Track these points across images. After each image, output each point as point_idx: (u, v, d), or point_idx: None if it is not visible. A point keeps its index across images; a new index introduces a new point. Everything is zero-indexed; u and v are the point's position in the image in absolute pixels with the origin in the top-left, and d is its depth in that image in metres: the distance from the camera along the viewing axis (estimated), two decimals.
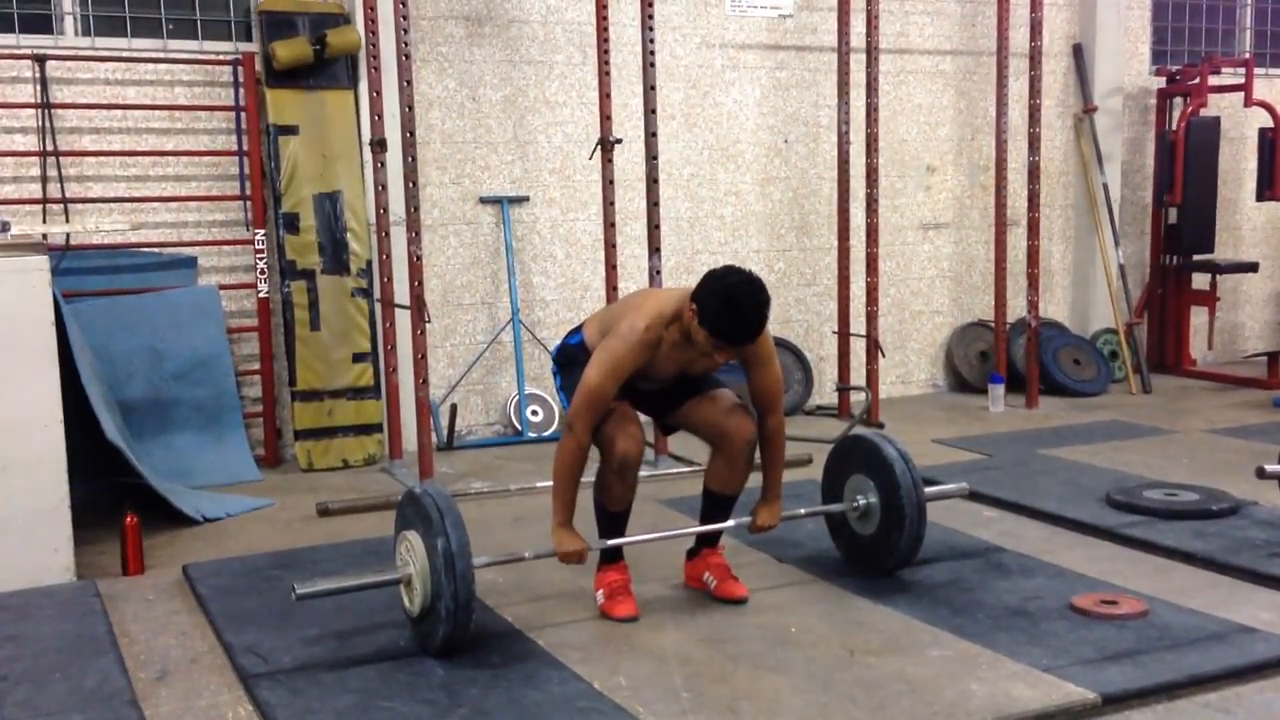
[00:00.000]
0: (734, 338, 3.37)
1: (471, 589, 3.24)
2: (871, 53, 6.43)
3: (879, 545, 3.89)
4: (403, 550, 3.41)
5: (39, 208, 5.43)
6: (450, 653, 3.30)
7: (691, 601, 3.78)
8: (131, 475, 4.69)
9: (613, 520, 3.69)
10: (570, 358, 3.74)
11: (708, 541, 3.87)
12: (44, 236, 4.12)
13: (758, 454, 3.77)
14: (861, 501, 3.91)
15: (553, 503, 3.60)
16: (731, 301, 3.33)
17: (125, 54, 5.64)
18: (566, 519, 3.57)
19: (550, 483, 4.95)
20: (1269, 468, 4.14)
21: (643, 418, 3.71)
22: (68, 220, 5.42)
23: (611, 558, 3.74)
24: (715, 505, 3.82)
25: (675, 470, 5.45)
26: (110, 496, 4.76)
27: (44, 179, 5.44)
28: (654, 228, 5.61)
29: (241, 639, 3.48)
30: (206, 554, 4.39)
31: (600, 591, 3.69)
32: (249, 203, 5.77)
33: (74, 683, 3.24)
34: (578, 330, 3.77)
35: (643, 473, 5.37)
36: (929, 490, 3.93)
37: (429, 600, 3.29)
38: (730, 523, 3.80)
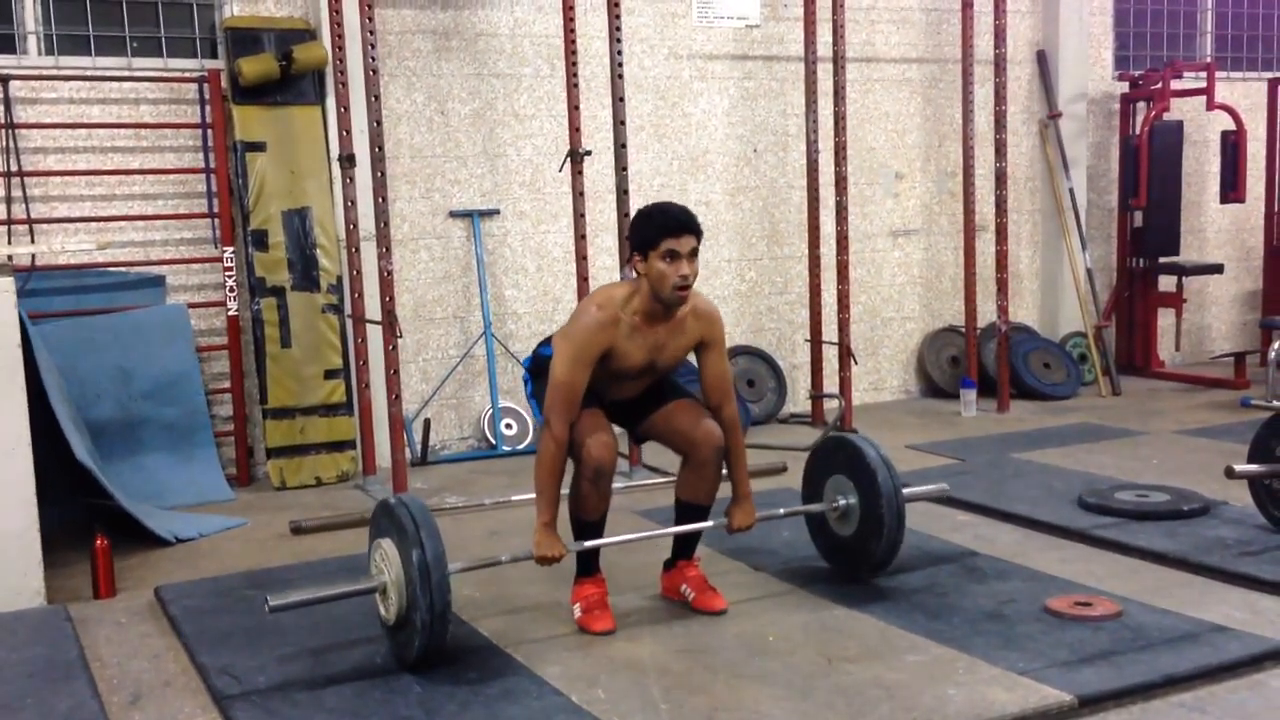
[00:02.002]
0: (673, 226, 3.44)
1: (448, 599, 3.22)
2: (838, 61, 6.47)
3: (857, 549, 3.90)
4: (377, 559, 3.38)
5: (3, 229, 5.39)
6: (427, 663, 3.28)
7: (669, 613, 3.77)
8: (102, 496, 4.65)
9: (589, 530, 3.68)
10: (542, 367, 3.73)
11: (683, 553, 3.86)
12: (9, 258, 4.07)
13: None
14: (841, 503, 3.91)
15: (536, 502, 3.58)
16: (653, 207, 3.57)
17: (90, 72, 5.60)
18: (550, 519, 3.55)
19: (528, 495, 4.95)
20: (1238, 467, 4.18)
21: (616, 429, 3.71)
22: (33, 241, 5.37)
23: (588, 571, 3.73)
24: (688, 516, 3.82)
25: (650, 481, 5.45)
26: (80, 519, 4.72)
27: (8, 199, 5.40)
28: (625, 239, 5.60)
29: (215, 660, 3.45)
30: (179, 575, 4.35)
31: (577, 605, 3.68)
32: (217, 220, 5.74)
33: (46, 708, 3.20)
34: (548, 341, 3.77)
35: (617, 484, 5.37)
36: (908, 491, 3.93)
37: (404, 610, 3.27)
38: (708, 523, 3.80)
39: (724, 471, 3.77)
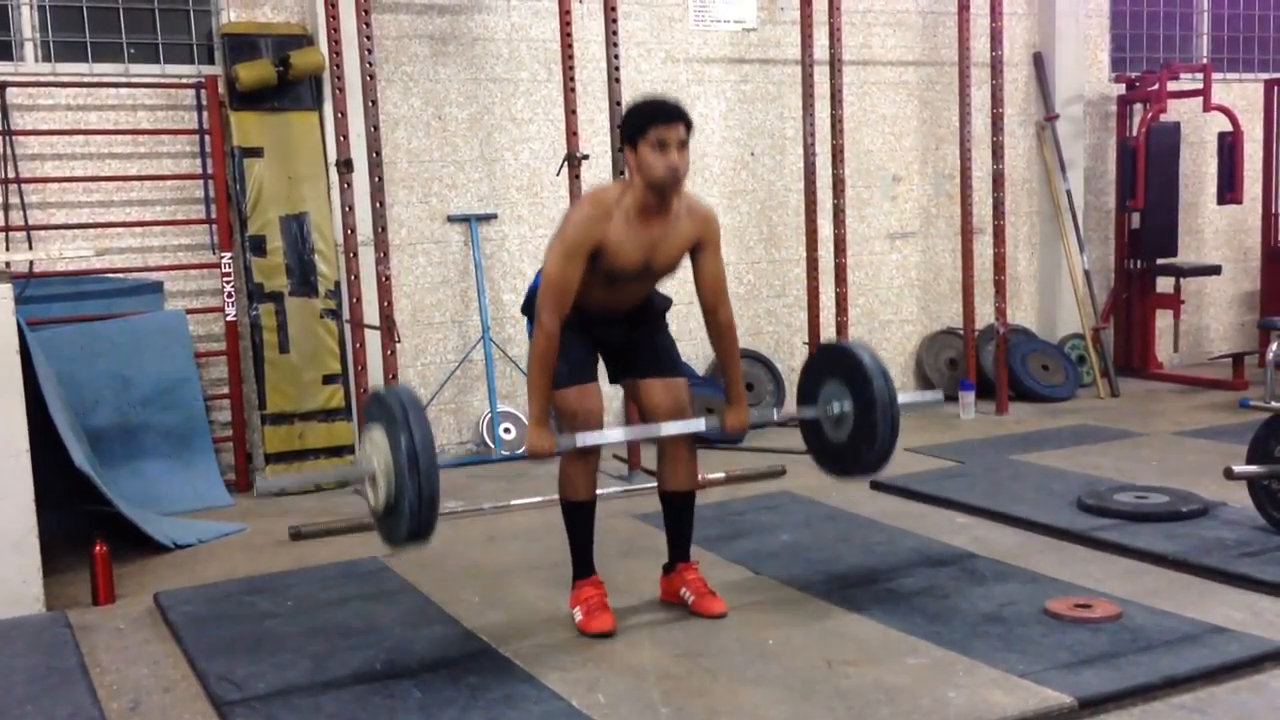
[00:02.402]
0: (662, 114, 3.43)
1: (436, 486, 3.13)
2: (835, 65, 6.48)
3: (848, 454, 3.85)
4: (366, 447, 3.29)
5: (1, 235, 5.39)
6: (416, 540, 3.21)
7: (668, 616, 3.77)
8: (101, 503, 4.64)
9: (580, 513, 3.70)
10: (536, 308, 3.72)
11: (681, 555, 3.85)
12: (7, 264, 4.07)
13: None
14: (836, 409, 3.83)
15: (529, 399, 3.57)
16: (643, 98, 3.59)
17: (86, 79, 5.60)
18: (541, 414, 3.53)
19: (526, 500, 4.97)
20: (1237, 469, 4.18)
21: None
22: (31, 247, 5.37)
23: (584, 572, 3.72)
24: (674, 506, 3.83)
25: (649, 485, 5.44)
26: (79, 525, 4.71)
27: (6, 206, 5.40)
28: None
29: (215, 666, 3.45)
30: (178, 581, 4.35)
31: (578, 609, 3.67)
32: (215, 226, 5.74)
33: (46, 715, 3.19)
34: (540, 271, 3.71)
35: (615, 488, 5.41)
36: (902, 399, 3.85)
37: (393, 497, 3.18)
38: (699, 421, 3.74)
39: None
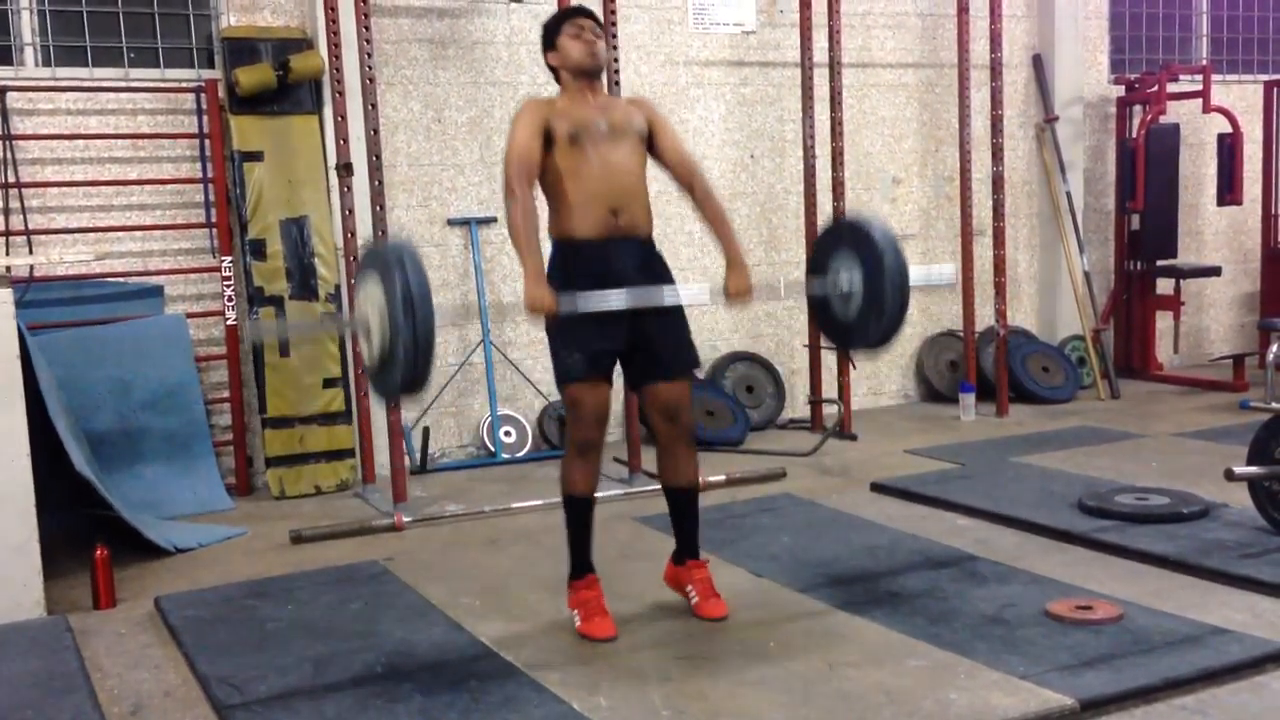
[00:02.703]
0: (571, 11, 3.79)
1: (432, 331, 3.09)
2: (834, 67, 6.48)
3: (854, 329, 3.80)
4: (361, 300, 3.26)
5: (1, 240, 5.39)
6: (410, 389, 3.18)
7: (669, 618, 3.77)
8: (101, 507, 4.64)
9: (579, 508, 3.70)
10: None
11: (693, 554, 3.85)
12: (8, 269, 4.07)
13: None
14: (846, 284, 3.77)
15: (521, 261, 3.62)
16: (552, 15, 3.85)
17: (87, 83, 5.61)
18: (536, 269, 3.58)
19: (528, 503, 4.97)
20: (1238, 470, 4.18)
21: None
22: (31, 252, 5.37)
23: (580, 571, 3.72)
24: (677, 501, 3.83)
25: (651, 487, 5.44)
26: (80, 529, 4.71)
27: (6, 211, 5.40)
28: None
29: (216, 670, 3.45)
30: (179, 585, 4.35)
31: (576, 612, 3.67)
32: (215, 230, 5.74)
33: (46, 719, 3.19)
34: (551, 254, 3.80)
35: (616, 490, 5.41)
36: (916, 280, 3.82)
37: (387, 344, 3.11)
38: (703, 289, 3.77)
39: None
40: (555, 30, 3.76)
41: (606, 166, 3.64)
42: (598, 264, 3.63)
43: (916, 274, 3.92)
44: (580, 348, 3.61)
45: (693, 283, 6.84)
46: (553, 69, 3.80)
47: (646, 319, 3.67)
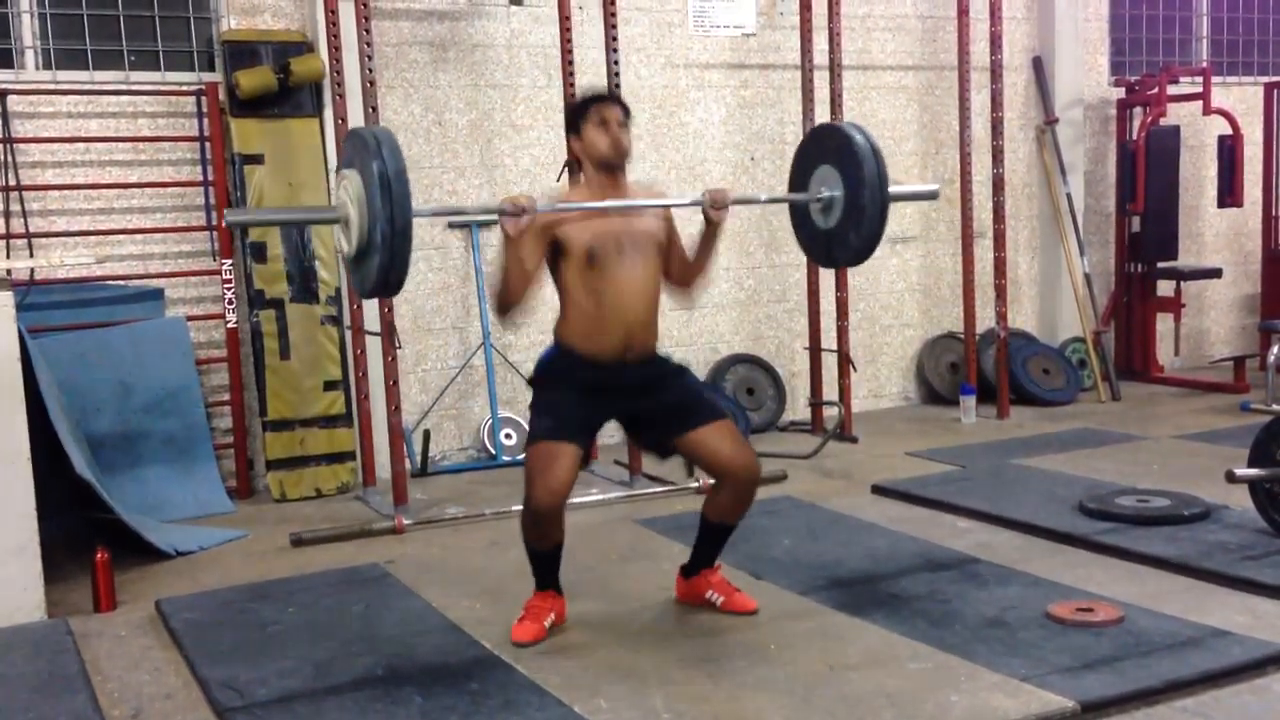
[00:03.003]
0: (601, 96, 3.70)
1: (408, 214, 3.03)
2: (835, 69, 6.48)
3: (833, 239, 3.79)
4: (340, 191, 3.23)
5: (2, 243, 5.39)
6: (389, 288, 3.16)
7: (670, 621, 3.77)
8: (102, 510, 4.64)
9: (544, 561, 3.66)
10: (544, 374, 3.67)
11: (706, 562, 3.84)
12: (8, 272, 4.07)
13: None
14: (825, 194, 3.77)
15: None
16: (581, 96, 3.80)
17: (87, 86, 5.61)
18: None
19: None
20: (1239, 472, 4.18)
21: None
22: (32, 255, 5.37)
23: (542, 585, 3.70)
24: (713, 534, 3.78)
25: (650, 490, 5.45)
26: (80, 532, 4.71)
27: (7, 214, 5.40)
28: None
29: (216, 673, 3.44)
30: (179, 588, 4.35)
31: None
32: (215, 233, 5.74)
33: None
34: (553, 345, 3.69)
35: (617, 493, 5.41)
36: (896, 190, 3.80)
37: (366, 231, 3.08)
38: (688, 199, 3.76)
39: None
40: (580, 116, 3.64)
41: (624, 291, 3.54)
42: (597, 379, 3.57)
43: (899, 189, 3.89)
44: (554, 414, 3.54)
45: None
46: (574, 155, 3.71)
47: (648, 392, 3.62)
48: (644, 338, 3.61)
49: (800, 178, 3.90)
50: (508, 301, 3.49)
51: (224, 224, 3.25)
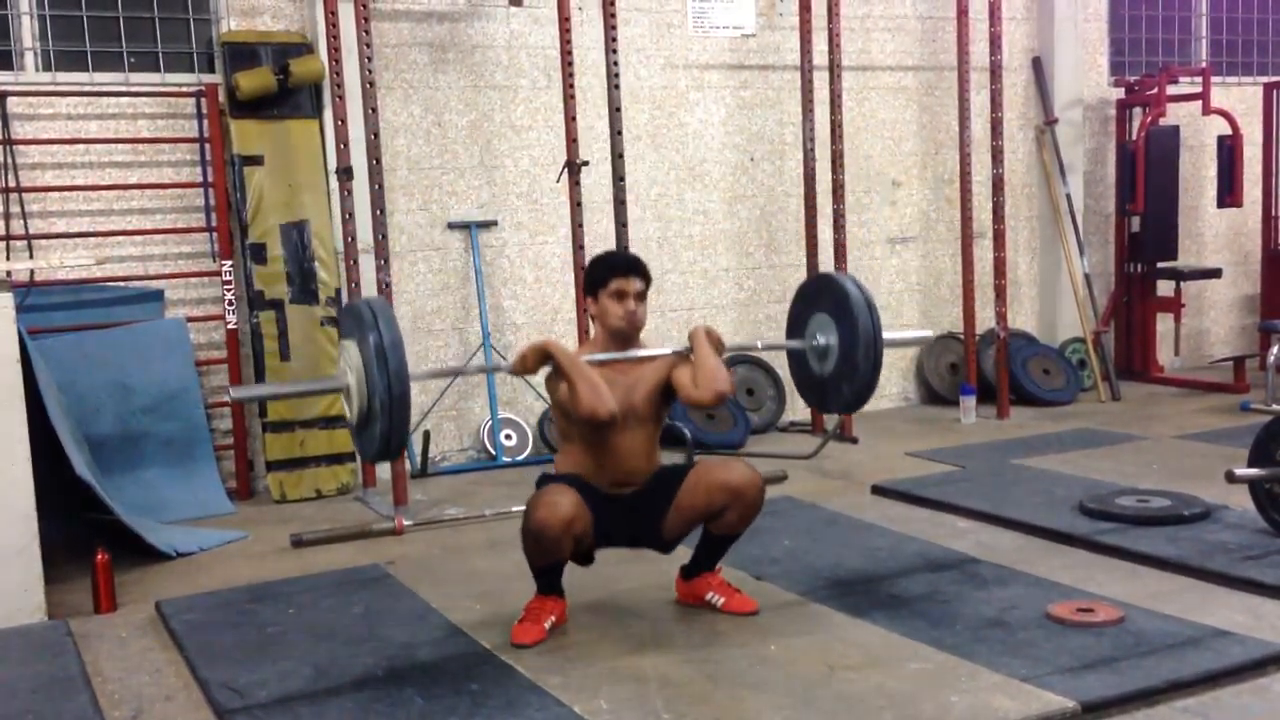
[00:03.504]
0: (621, 266, 3.68)
1: (406, 384, 3.15)
2: (834, 70, 6.49)
3: (829, 388, 3.86)
4: (342, 362, 3.33)
5: (1, 244, 5.39)
6: (390, 453, 3.27)
7: (670, 622, 3.77)
8: (102, 511, 4.64)
9: (546, 575, 3.66)
10: (550, 479, 3.75)
11: (707, 565, 3.84)
12: (8, 273, 4.07)
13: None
14: (821, 341, 3.83)
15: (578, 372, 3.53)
16: (605, 252, 3.91)
17: (87, 88, 5.61)
18: (583, 369, 3.54)
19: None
20: (1239, 472, 4.18)
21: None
22: (31, 256, 5.38)
23: (543, 589, 3.70)
24: (716, 543, 3.79)
25: None
26: (81, 534, 4.71)
27: (7, 215, 5.40)
28: (622, 249, 5.62)
29: (217, 674, 3.44)
30: (180, 589, 4.35)
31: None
32: (215, 234, 5.75)
33: None
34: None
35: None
36: (889, 336, 3.83)
37: (366, 401, 3.19)
38: (667, 347, 3.77)
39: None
40: (600, 282, 3.66)
41: (622, 452, 3.66)
42: (596, 495, 3.64)
43: (893, 335, 3.97)
44: (564, 480, 3.63)
45: (692, 285, 6.86)
46: (591, 316, 3.76)
47: (637, 504, 3.71)
48: (638, 479, 3.72)
49: (798, 323, 3.98)
50: (606, 409, 3.50)
51: (231, 399, 3.38)
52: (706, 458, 3.79)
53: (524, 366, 3.57)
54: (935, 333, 7.52)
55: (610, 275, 3.65)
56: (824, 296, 3.88)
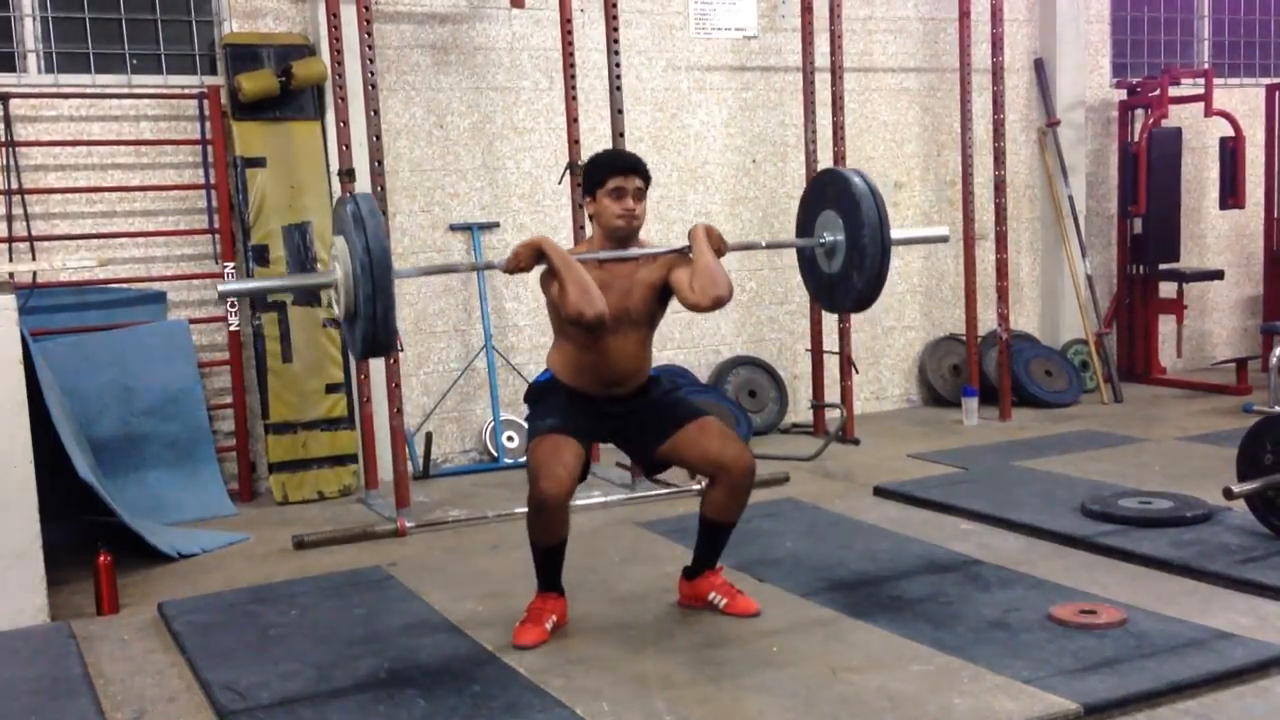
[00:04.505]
0: (619, 165, 3.61)
1: (389, 278, 3.13)
2: (836, 71, 6.48)
3: (838, 283, 3.81)
4: (332, 258, 3.34)
5: (4, 246, 5.40)
6: (378, 348, 3.26)
7: (672, 623, 3.76)
8: (104, 513, 4.64)
9: (549, 555, 3.65)
10: (539, 392, 3.74)
11: (708, 563, 3.84)
12: (11, 275, 4.07)
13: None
14: (828, 238, 3.78)
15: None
16: (602, 152, 3.77)
17: (89, 90, 5.61)
18: (576, 271, 3.45)
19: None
20: (1237, 488, 4.12)
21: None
22: (34, 258, 5.38)
23: (543, 586, 3.70)
24: (712, 533, 3.77)
25: (653, 492, 5.44)
26: (83, 535, 4.71)
27: (9, 217, 5.41)
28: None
29: (219, 676, 3.45)
30: (182, 591, 4.35)
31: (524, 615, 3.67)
32: (217, 236, 5.75)
33: None
34: (546, 370, 3.77)
35: (618, 495, 5.41)
36: (900, 233, 3.80)
37: (353, 294, 3.18)
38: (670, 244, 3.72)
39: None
40: (598, 180, 3.61)
41: (615, 352, 3.61)
42: (587, 405, 3.64)
43: (906, 233, 3.91)
44: (554, 414, 3.60)
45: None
46: (589, 214, 3.71)
47: (634, 412, 3.69)
48: (633, 380, 3.70)
49: (805, 223, 3.93)
50: (593, 310, 3.42)
51: (220, 293, 3.40)
52: (709, 419, 3.69)
53: (517, 264, 3.49)
54: (936, 335, 7.53)
55: (608, 173, 3.58)
56: (828, 192, 3.81)
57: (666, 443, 3.67)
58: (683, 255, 3.62)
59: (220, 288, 3.47)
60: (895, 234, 3.73)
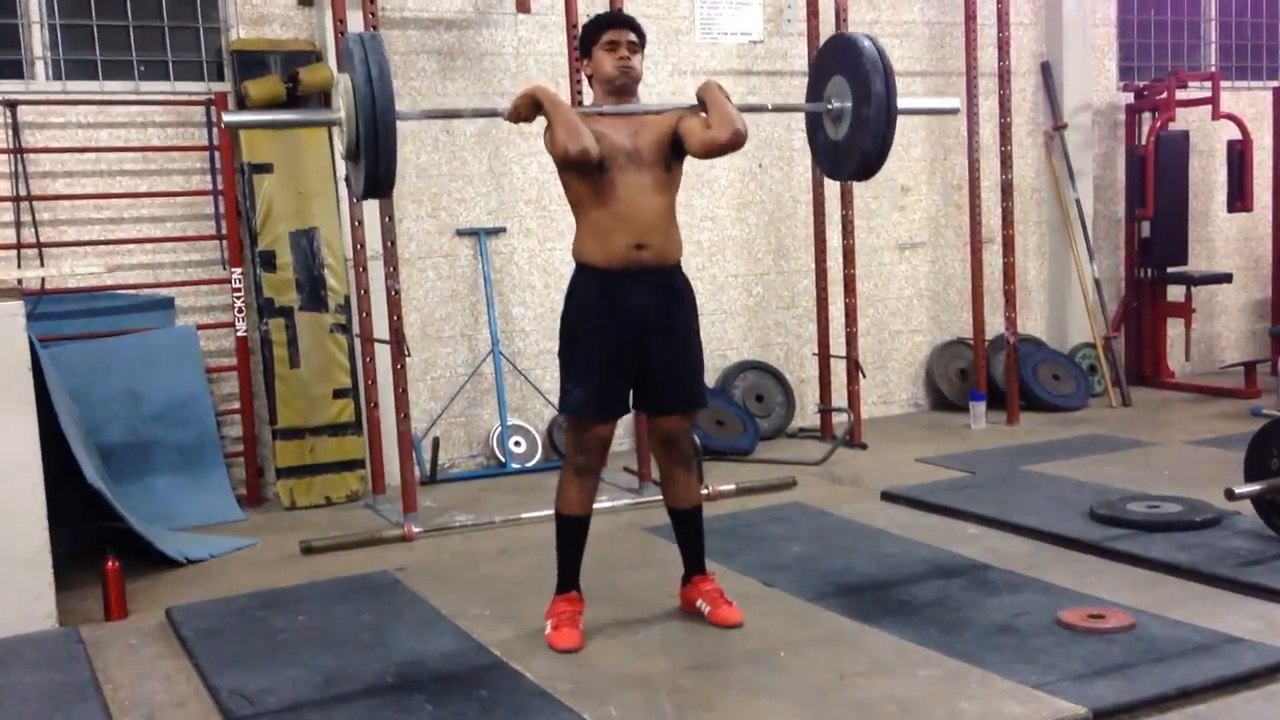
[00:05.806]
0: (613, 20, 3.68)
1: (391, 110, 3.15)
2: None
3: (843, 150, 3.80)
4: (338, 96, 3.34)
5: (13, 253, 5.41)
6: (380, 186, 3.28)
7: (679, 628, 3.76)
8: (112, 519, 4.65)
9: (572, 529, 3.68)
10: (570, 328, 3.68)
11: (696, 567, 3.85)
12: (19, 281, 4.09)
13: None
14: (835, 105, 3.77)
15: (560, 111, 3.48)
16: (594, 17, 3.76)
17: (97, 97, 5.63)
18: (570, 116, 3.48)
19: (538, 513, 4.94)
20: (1239, 490, 4.12)
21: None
22: (43, 264, 5.39)
23: (564, 587, 3.72)
24: (683, 526, 3.83)
25: (659, 497, 5.42)
26: (91, 541, 4.72)
27: (18, 224, 5.42)
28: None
29: (227, 681, 3.45)
30: (190, 596, 4.35)
31: (549, 622, 3.67)
32: (225, 242, 5.76)
33: None
34: (575, 270, 3.70)
35: (625, 500, 5.41)
36: (909, 103, 3.74)
37: (357, 127, 3.18)
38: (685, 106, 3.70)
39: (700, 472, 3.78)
40: (592, 38, 3.64)
41: (630, 197, 3.53)
42: (614, 296, 3.56)
43: (916, 102, 3.89)
44: (589, 385, 3.59)
45: (702, 291, 6.85)
46: (587, 76, 3.73)
47: (660, 343, 3.62)
48: (658, 242, 3.58)
49: (815, 89, 3.90)
50: (576, 145, 3.42)
51: (223, 125, 3.45)
52: (689, 415, 3.76)
53: (517, 114, 3.50)
54: (943, 339, 7.52)
55: (602, 29, 3.62)
56: (838, 57, 3.78)
57: (653, 416, 3.76)
58: (690, 111, 3.63)
59: (226, 118, 3.48)
60: (903, 103, 3.72)
